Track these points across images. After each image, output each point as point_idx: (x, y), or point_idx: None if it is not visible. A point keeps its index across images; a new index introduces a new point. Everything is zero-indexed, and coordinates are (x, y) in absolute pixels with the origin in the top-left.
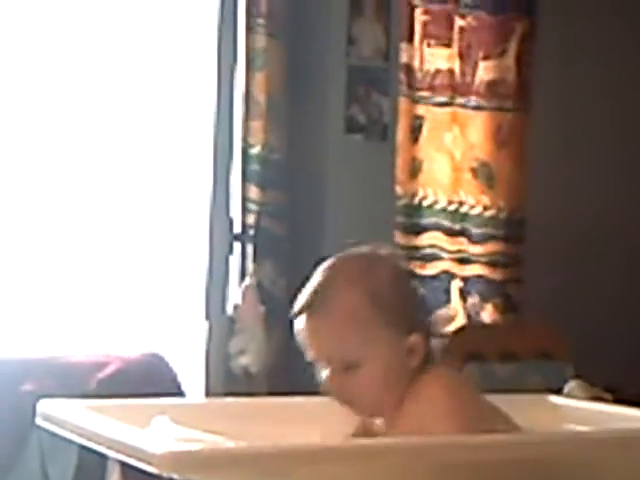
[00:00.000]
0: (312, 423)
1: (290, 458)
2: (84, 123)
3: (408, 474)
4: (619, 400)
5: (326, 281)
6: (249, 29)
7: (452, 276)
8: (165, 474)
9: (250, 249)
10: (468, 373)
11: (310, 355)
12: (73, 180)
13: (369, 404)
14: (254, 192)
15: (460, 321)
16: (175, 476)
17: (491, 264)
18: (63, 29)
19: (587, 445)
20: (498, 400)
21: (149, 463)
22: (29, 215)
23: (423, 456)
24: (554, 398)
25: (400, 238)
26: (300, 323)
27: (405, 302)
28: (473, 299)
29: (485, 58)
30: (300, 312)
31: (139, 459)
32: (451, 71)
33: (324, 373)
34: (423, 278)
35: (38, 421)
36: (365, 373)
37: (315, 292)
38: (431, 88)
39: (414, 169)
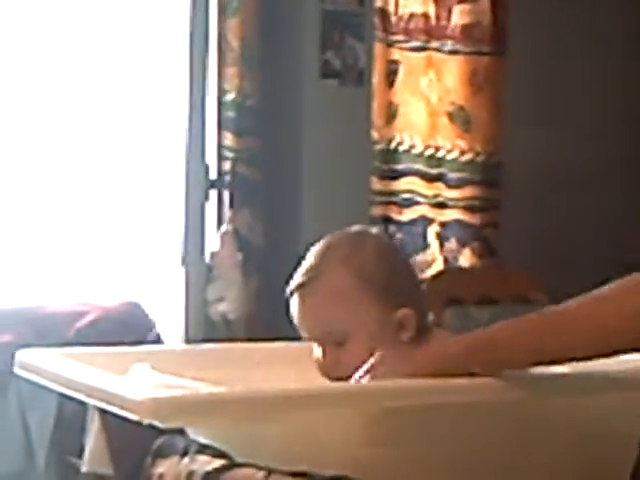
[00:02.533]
0: (291, 368)
1: (271, 402)
2: (61, 75)
3: (387, 417)
4: None
5: (315, 261)
6: None
7: (429, 221)
8: (146, 420)
9: (226, 196)
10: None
11: (303, 334)
12: (49, 135)
13: None
14: (229, 139)
15: (438, 266)
16: (156, 422)
17: (468, 209)
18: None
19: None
20: None
21: (129, 410)
22: (5, 169)
23: (400, 398)
24: None
25: (377, 183)
26: (293, 304)
27: (393, 277)
28: (451, 244)
29: (460, 2)
30: (292, 293)
31: (119, 406)
32: (426, 15)
33: (317, 351)
34: (400, 223)
35: (17, 370)
36: (354, 349)
37: (305, 273)
38: (406, 32)
39: (390, 114)
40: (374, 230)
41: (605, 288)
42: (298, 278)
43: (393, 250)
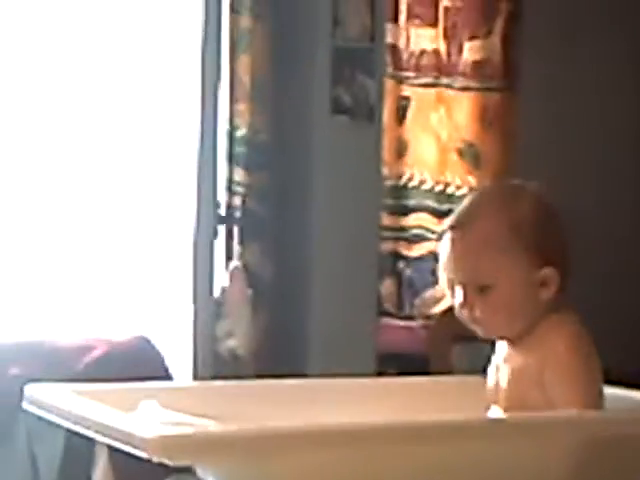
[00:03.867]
0: (300, 405)
1: (281, 440)
2: (70, 112)
3: (401, 458)
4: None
5: (471, 206)
6: (233, 10)
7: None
8: (154, 458)
9: (236, 231)
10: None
11: (448, 274)
12: (59, 165)
13: (496, 327)
14: (240, 174)
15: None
16: (164, 460)
17: None
18: (38, 19)
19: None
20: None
21: (139, 447)
22: (14, 199)
23: (425, 441)
24: None
25: (387, 219)
26: (443, 244)
27: (544, 234)
28: None
29: (471, 38)
30: (444, 232)
31: (129, 443)
32: (436, 51)
33: (458, 294)
34: (409, 259)
35: (25, 405)
36: (496, 296)
37: (460, 216)
38: (417, 69)
39: (400, 150)
40: (533, 185)
41: None
42: (452, 220)
43: (548, 207)
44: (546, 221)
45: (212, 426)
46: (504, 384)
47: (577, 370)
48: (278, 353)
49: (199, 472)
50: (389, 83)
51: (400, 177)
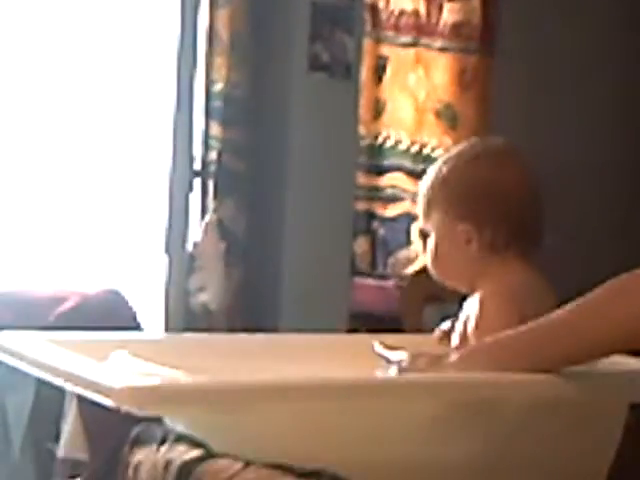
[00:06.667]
0: (271, 359)
1: (249, 393)
2: (50, 69)
3: (358, 413)
4: None
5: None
6: None
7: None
8: (123, 408)
9: (211, 186)
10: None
11: None
12: (34, 124)
13: (437, 272)
14: (216, 129)
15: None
16: (134, 410)
17: None
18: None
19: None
20: None
21: (107, 397)
22: None
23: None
24: None
25: (362, 178)
26: None
27: (471, 190)
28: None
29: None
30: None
31: (97, 393)
32: (416, 12)
33: None
34: (384, 219)
35: None
36: (431, 243)
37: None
38: (396, 28)
39: (377, 109)
40: (512, 148)
41: (592, 295)
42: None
43: (495, 167)
44: (478, 180)
45: (180, 377)
46: (455, 338)
47: (482, 324)
48: (250, 309)
49: (167, 422)
50: (368, 42)
51: (376, 137)
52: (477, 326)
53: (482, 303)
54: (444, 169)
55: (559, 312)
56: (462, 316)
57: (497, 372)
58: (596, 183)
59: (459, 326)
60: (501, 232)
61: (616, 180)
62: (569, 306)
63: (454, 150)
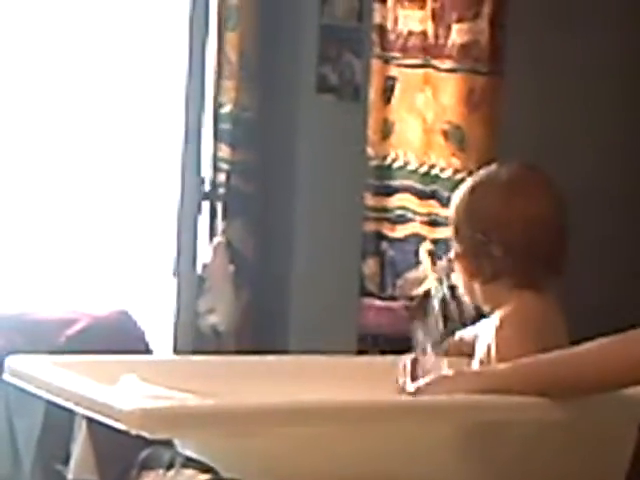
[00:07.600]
0: (280, 381)
1: (259, 416)
2: (57, 90)
3: (372, 436)
4: None
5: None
6: None
7: (422, 239)
8: (133, 431)
9: (220, 207)
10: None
11: None
12: (43, 139)
13: (464, 292)
14: (225, 151)
15: (429, 284)
16: (143, 433)
17: None
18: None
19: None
20: None
21: (117, 420)
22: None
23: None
24: None
25: (370, 199)
26: None
27: (498, 220)
28: (442, 262)
29: (458, 20)
30: None
31: (107, 416)
32: (424, 33)
33: None
34: (393, 240)
35: (5, 377)
36: (457, 262)
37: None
38: (404, 49)
39: (386, 130)
40: (542, 176)
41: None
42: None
43: (528, 196)
44: (506, 209)
45: (190, 400)
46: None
47: (499, 348)
48: (259, 331)
49: (177, 445)
50: (376, 63)
51: (385, 157)
52: (495, 349)
53: (499, 328)
54: (472, 195)
55: (582, 347)
56: (479, 333)
57: (511, 395)
58: (612, 207)
59: (478, 349)
60: (528, 261)
61: (636, 203)
62: (594, 342)
63: (481, 174)
